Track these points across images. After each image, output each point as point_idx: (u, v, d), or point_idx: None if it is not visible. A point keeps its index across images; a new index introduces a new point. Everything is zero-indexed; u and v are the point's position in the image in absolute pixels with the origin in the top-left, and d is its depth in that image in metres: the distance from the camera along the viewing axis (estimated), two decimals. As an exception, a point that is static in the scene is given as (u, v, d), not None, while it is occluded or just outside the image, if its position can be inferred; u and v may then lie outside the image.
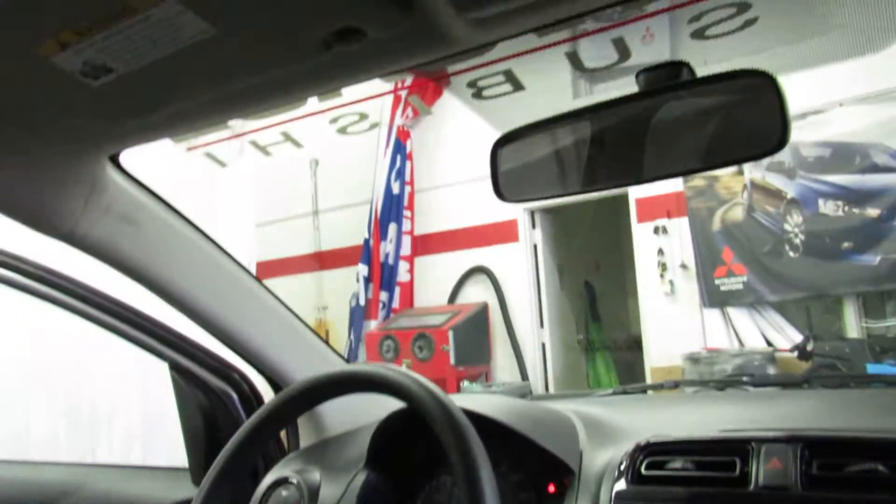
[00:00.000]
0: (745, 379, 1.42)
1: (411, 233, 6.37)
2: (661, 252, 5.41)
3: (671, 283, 5.37)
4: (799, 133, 4.88)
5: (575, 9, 0.62)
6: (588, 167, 0.80)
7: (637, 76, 0.79)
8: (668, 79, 0.76)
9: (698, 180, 5.23)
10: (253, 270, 5.56)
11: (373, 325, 6.26)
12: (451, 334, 5.63)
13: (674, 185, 5.26)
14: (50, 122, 0.76)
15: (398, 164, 6.18)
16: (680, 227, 5.35)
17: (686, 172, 0.72)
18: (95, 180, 0.90)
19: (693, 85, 0.73)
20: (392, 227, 6.21)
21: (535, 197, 0.83)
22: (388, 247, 6.23)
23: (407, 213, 6.28)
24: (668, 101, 0.76)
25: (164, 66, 0.65)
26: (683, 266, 5.34)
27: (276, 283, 6.74)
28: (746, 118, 0.71)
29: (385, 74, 0.76)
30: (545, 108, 0.91)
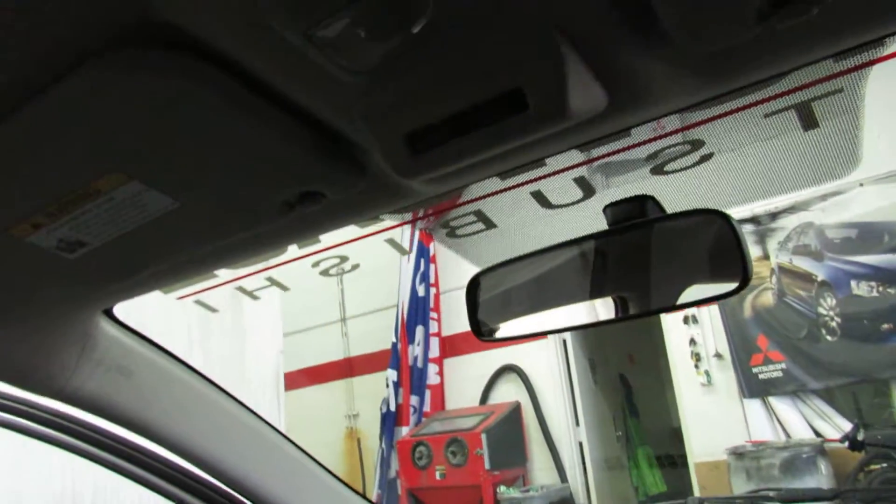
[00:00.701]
0: (771, 495, 1.35)
1: (439, 334, 6.35)
2: (693, 342, 5.29)
3: (707, 373, 5.21)
4: (822, 215, 4.84)
5: (521, 159, 0.64)
6: (562, 306, 0.81)
7: (605, 210, 0.81)
8: (633, 213, 0.78)
9: (724, 267, 5.16)
10: (281, 381, 5.54)
11: (404, 430, 6.14)
12: (484, 438, 5.49)
13: (700, 274, 5.19)
14: (35, 292, 0.80)
15: (422, 266, 6.25)
16: (710, 316, 5.25)
17: (655, 312, 0.72)
18: (87, 336, 0.93)
19: (655, 222, 0.74)
20: (419, 330, 6.21)
21: (513, 336, 0.84)
22: (416, 350, 6.21)
23: (433, 314, 6.29)
24: (636, 238, 0.77)
25: (136, 237, 0.68)
26: (718, 355, 5.20)
27: (305, 393, 6.72)
28: (711, 256, 0.72)
29: (348, 224, 0.79)
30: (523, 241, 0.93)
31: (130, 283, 0.81)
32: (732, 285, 0.67)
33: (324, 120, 0.60)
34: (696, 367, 5.25)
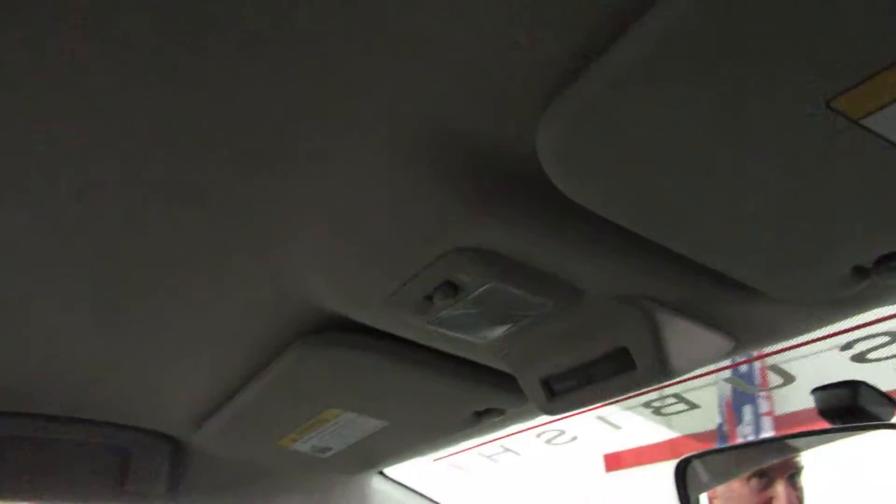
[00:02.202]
0: None
1: (771, 413, 5.71)
2: None
3: None
4: None
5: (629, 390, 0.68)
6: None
7: (813, 393, 0.77)
8: (842, 399, 0.73)
9: None
10: (602, 463, 5.58)
11: (743, 520, 5.58)
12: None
13: None
14: (312, 478, 1.09)
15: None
16: None
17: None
18: (362, 498, 1.18)
19: (861, 430, 0.69)
20: (747, 409, 5.68)
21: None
22: (745, 429, 5.68)
23: (761, 391, 5.71)
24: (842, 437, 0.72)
25: (363, 443, 0.92)
26: None
27: (630, 475, 6.57)
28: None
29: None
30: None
31: (372, 465, 1.06)
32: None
33: (485, 364, 0.74)
34: None
